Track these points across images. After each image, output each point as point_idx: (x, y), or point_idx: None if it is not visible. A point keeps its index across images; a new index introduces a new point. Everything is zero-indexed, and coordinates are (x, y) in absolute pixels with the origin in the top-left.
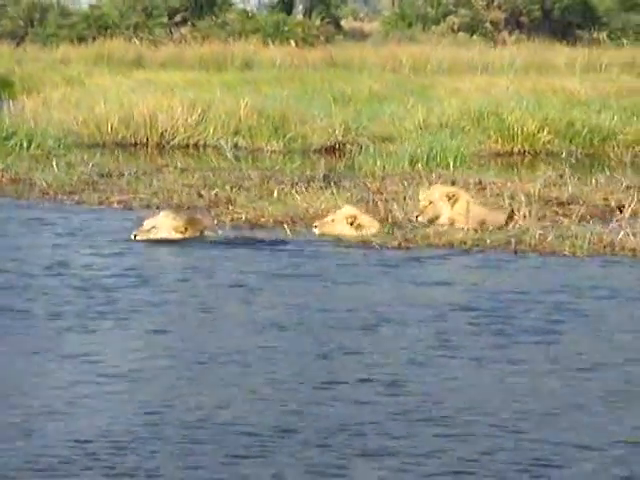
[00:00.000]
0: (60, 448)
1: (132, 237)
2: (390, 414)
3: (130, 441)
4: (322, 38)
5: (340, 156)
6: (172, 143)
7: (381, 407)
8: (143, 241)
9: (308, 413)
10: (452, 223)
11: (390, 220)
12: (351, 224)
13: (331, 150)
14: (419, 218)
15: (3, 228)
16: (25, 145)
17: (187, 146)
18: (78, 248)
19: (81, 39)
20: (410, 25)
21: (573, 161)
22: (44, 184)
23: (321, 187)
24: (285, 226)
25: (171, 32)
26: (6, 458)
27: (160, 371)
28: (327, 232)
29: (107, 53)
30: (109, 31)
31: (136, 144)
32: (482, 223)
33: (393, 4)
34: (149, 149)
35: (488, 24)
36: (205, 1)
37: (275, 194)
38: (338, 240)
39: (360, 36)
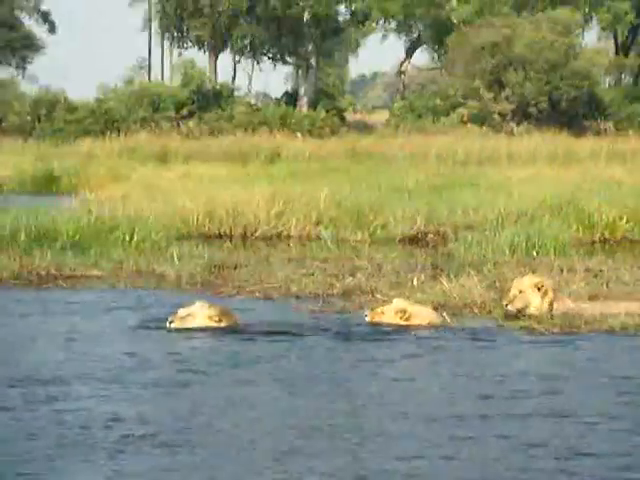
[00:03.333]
0: None
1: (168, 324)
2: None
3: None
4: (327, 130)
5: (424, 245)
6: (256, 234)
7: None
8: (178, 329)
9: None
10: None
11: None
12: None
13: (414, 239)
14: (509, 307)
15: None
16: (127, 238)
17: (270, 237)
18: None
19: (87, 133)
20: (420, 116)
21: None
22: (172, 276)
23: (447, 276)
24: (444, 314)
25: (178, 125)
26: None
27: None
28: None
29: (133, 147)
30: (115, 125)
31: (220, 236)
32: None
33: (397, 97)
34: (233, 240)
35: (496, 115)
36: (212, 94)
37: (415, 282)
38: (500, 327)
39: (364, 127)
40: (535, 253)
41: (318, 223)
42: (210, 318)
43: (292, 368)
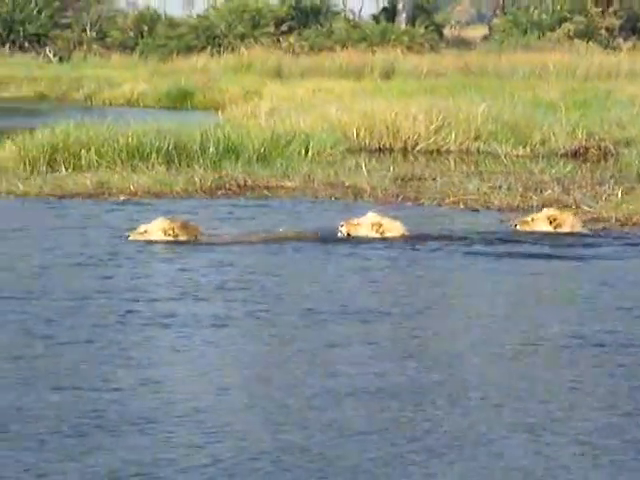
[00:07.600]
0: None
1: (126, 237)
2: None
3: None
4: (427, 46)
5: (586, 160)
6: (417, 149)
7: None
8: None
9: None
10: None
11: None
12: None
13: (575, 154)
14: (517, 227)
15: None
16: (303, 151)
17: (431, 152)
18: None
19: (189, 49)
20: (525, 32)
21: None
22: (367, 188)
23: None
24: None
25: (279, 41)
26: None
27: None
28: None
29: (248, 63)
30: (217, 41)
31: (380, 150)
32: None
33: (497, 12)
34: (393, 154)
35: (603, 30)
36: (310, 10)
37: (619, 195)
38: None
39: (461, 43)
40: None
41: (476, 138)
42: (166, 232)
43: None
